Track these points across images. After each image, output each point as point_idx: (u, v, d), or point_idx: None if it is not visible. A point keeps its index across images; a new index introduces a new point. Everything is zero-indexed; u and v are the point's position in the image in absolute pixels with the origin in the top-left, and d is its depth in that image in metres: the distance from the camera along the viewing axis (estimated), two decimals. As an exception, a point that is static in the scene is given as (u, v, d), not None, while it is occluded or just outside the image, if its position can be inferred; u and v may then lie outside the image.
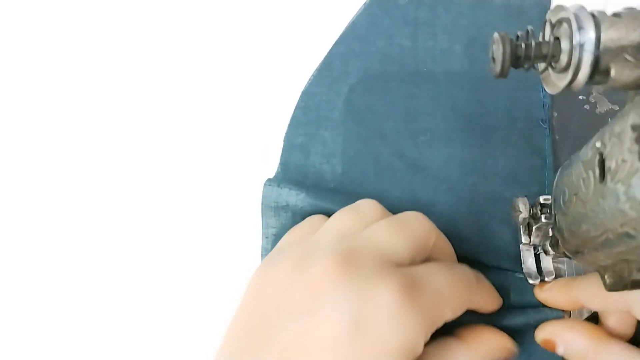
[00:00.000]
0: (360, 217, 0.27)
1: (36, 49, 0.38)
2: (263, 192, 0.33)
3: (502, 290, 0.30)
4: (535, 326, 0.29)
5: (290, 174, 0.34)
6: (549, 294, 0.29)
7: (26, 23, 0.39)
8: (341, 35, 0.37)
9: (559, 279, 0.29)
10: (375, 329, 0.22)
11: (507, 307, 0.29)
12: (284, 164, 0.34)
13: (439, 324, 0.24)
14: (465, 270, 0.27)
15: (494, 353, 0.27)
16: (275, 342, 0.22)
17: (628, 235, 0.20)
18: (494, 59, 0.19)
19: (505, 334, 0.28)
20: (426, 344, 0.23)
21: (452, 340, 0.26)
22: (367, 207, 0.28)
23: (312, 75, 0.36)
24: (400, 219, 0.26)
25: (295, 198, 0.32)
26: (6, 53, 0.38)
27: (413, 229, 0.26)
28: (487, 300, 0.28)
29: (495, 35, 0.19)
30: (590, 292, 0.27)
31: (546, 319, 0.29)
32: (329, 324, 0.22)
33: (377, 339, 0.21)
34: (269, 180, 0.33)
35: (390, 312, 0.22)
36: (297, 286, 0.23)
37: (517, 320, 0.29)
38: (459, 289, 0.25)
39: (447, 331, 0.26)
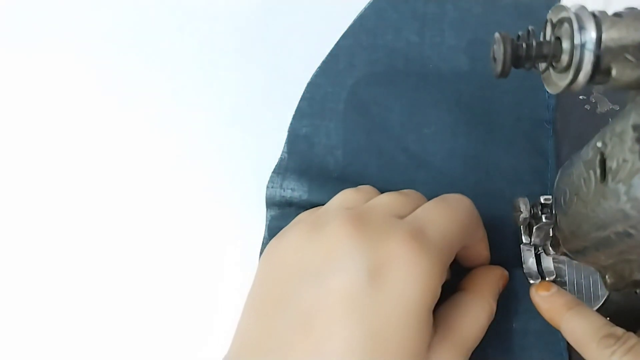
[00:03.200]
0: (362, 195, 0.28)
1: (36, 49, 0.38)
2: (266, 193, 0.33)
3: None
4: (533, 329, 0.29)
5: (293, 164, 0.34)
6: (540, 301, 0.28)
7: (25, 22, 0.39)
8: (349, 28, 0.37)
9: (562, 292, 0.28)
10: (392, 277, 0.22)
11: (506, 307, 0.29)
12: (288, 154, 0.34)
13: (451, 258, 0.25)
14: (459, 197, 0.28)
15: (497, 288, 0.29)
16: (296, 304, 0.23)
17: (629, 235, 0.20)
18: (495, 59, 0.19)
19: (494, 266, 0.30)
20: (441, 304, 0.25)
21: (462, 294, 0.28)
22: (366, 188, 0.29)
23: (319, 67, 0.36)
24: (397, 191, 0.28)
25: (299, 199, 0.32)
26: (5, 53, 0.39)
27: (409, 194, 0.28)
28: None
29: (496, 35, 0.19)
30: (573, 332, 0.26)
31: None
32: (346, 277, 0.22)
33: (394, 287, 0.22)
34: (271, 181, 0.33)
35: (403, 259, 0.23)
36: (312, 248, 0.24)
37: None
38: (459, 218, 0.26)
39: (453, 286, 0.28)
